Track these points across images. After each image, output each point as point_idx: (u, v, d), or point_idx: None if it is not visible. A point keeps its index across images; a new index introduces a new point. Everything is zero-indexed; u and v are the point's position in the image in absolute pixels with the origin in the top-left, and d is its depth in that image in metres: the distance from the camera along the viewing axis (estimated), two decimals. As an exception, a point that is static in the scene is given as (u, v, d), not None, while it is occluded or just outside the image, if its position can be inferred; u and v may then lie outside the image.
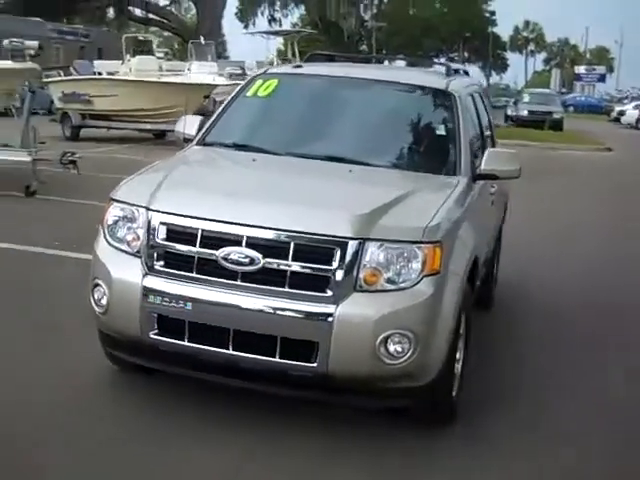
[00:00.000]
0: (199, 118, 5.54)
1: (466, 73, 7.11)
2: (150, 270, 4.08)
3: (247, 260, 3.92)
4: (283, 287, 3.91)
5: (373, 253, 3.92)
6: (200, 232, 4.00)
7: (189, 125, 5.42)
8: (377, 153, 5.04)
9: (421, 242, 3.95)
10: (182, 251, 4.05)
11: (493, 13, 78.91)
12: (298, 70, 5.75)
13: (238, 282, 3.95)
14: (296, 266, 3.91)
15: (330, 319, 3.83)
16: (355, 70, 5.96)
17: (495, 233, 6.42)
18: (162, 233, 4.09)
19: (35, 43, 10.46)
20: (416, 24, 72.22)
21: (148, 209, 4.13)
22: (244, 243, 3.94)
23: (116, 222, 4.25)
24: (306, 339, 3.88)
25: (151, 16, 47.59)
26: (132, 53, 21.58)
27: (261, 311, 3.91)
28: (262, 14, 71.18)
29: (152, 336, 4.06)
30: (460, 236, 4.33)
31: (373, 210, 4.05)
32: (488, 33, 76.80)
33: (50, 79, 19.88)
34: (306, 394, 4.11)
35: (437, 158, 5.09)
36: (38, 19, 38.04)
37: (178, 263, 4.05)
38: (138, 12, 48.24)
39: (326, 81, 5.57)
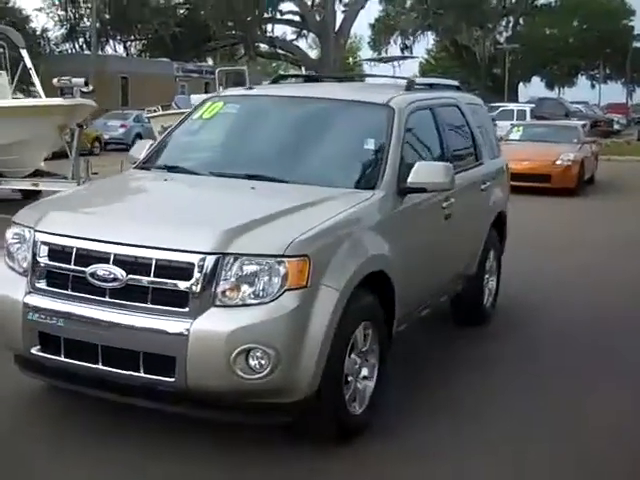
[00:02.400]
0: (149, 142, 5.69)
1: (457, 88, 6.98)
2: (33, 288, 4.22)
3: (111, 277, 4.00)
4: (145, 303, 3.96)
5: (232, 268, 3.90)
6: (74, 250, 4.12)
7: (139, 149, 5.58)
8: (296, 169, 5.03)
9: (283, 256, 3.90)
10: (59, 269, 4.17)
11: (632, 28, 75.91)
12: (245, 92, 5.82)
13: (106, 299, 4.03)
14: (157, 282, 3.95)
15: (186, 334, 3.84)
16: (302, 90, 5.96)
17: (469, 247, 6.20)
18: (44, 252, 4.23)
19: (81, 80, 11.03)
20: (553, 43, 70.47)
21: (34, 230, 4.29)
22: (111, 260, 4.02)
23: (13, 243, 4.43)
24: (165, 354, 3.90)
25: (277, 50, 48.89)
26: (228, 84, 22.22)
27: (125, 327, 3.97)
28: (395, 42, 71.66)
29: (34, 352, 4.19)
30: (344, 251, 4.23)
31: (240, 225, 4.05)
32: (629, 49, 73.94)
33: (151, 114, 20.76)
34: (178, 409, 4.12)
35: (357, 173, 5.02)
36: (166, 59, 39.91)
37: (56, 281, 4.18)
38: (265, 47, 49.67)
39: (267, 101, 5.64)
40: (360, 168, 5.04)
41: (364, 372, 4.52)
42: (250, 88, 5.89)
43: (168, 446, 4.29)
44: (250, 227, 4.06)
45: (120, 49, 47.09)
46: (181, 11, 46.91)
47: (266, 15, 47.78)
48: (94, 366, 4.05)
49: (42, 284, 4.21)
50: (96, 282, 4.03)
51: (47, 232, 4.24)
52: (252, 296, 3.90)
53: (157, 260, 3.95)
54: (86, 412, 4.62)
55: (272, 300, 3.89)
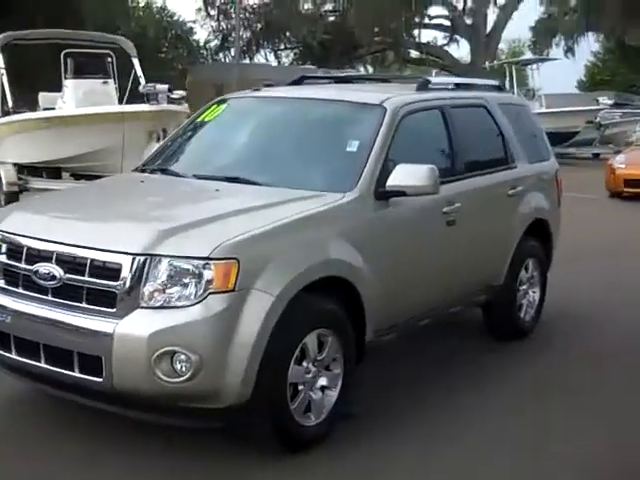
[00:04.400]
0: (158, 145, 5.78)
1: (498, 87, 6.67)
2: (-6, 286, 4.37)
3: (50, 275, 4.08)
4: (80, 302, 4.01)
5: (158, 269, 3.89)
6: (25, 249, 4.23)
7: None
8: (275, 172, 4.98)
9: (208, 258, 3.85)
10: (13, 267, 4.29)
11: None
12: (249, 94, 5.80)
13: (49, 297, 4.11)
14: (90, 282, 3.99)
15: (111, 335, 3.85)
16: (304, 91, 5.86)
17: (489, 255, 5.88)
18: (2, 250, 4.37)
19: (165, 87, 11.37)
20: None
21: None
22: (54, 259, 4.10)
23: None
24: (93, 354, 3.92)
25: (427, 56, 48.42)
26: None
27: (61, 325, 4.03)
28: (557, 45, 69.25)
29: (-8, 349, 4.32)
30: (288, 254, 4.12)
31: (173, 227, 4.04)
32: None
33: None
34: (113, 409, 4.13)
35: (334, 175, 4.88)
36: (312, 66, 40.50)
37: (10, 279, 4.31)
38: (414, 54, 49.35)
39: (264, 103, 5.59)
40: (338, 170, 4.90)
41: (322, 382, 4.38)
42: (257, 89, 5.84)
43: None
44: (184, 229, 4.04)
45: (271, 58, 48.18)
46: (330, 19, 47.38)
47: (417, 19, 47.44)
48: (37, 364, 4.13)
49: (0, 282, 4.34)
50: (38, 280, 4.12)
51: (4, 231, 4.38)
52: (177, 298, 3.87)
53: (91, 260, 3.99)
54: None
55: (196, 303, 3.84)
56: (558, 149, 23.45)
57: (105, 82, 13.17)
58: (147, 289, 3.88)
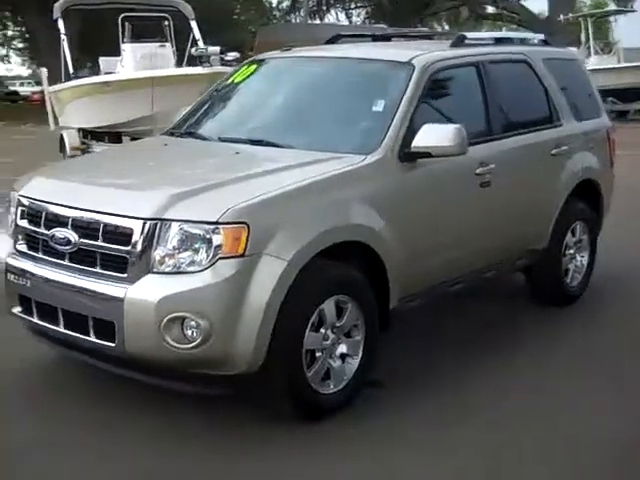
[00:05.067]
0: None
1: (544, 42, 6.39)
2: (15, 250, 4.41)
3: (65, 240, 4.08)
4: (94, 267, 4.01)
5: (169, 234, 3.85)
6: (43, 214, 4.25)
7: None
8: (298, 134, 4.88)
9: (217, 223, 3.79)
10: (33, 232, 4.32)
11: None
12: (280, 54, 5.68)
13: (65, 262, 4.12)
14: (104, 247, 3.98)
15: (122, 300, 3.84)
16: (335, 50, 5.70)
17: (530, 218, 5.66)
18: (22, 215, 4.40)
19: (216, 49, 11.29)
20: None
21: (17, 194, 4.47)
22: (69, 224, 4.10)
23: (7, 207, 4.64)
24: (106, 319, 3.92)
25: (502, 12, 47.19)
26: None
27: (76, 290, 4.04)
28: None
29: (14, 312, 4.38)
30: (301, 218, 4.03)
31: (184, 191, 3.98)
32: None
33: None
34: (128, 374, 4.13)
35: (357, 136, 4.74)
36: (383, 25, 39.94)
37: (31, 244, 4.33)
38: (490, 9, 48.17)
39: (293, 63, 5.50)
40: (362, 131, 4.75)
41: (342, 349, 4.30)
42: (288, 49, 5.72)
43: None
44: (195, 193, 3.98)
45: (342, 17, 47.74)
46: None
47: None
48: (57, 328, 4.16)
49: (21, 246, 4.38)
50: (55, 245, 4.14)
51: (25, 196, 4.41)
52: (187, 264, 3.83)
53: (104, 225, 3.98)
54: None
55: (205, 268, 3.79)
56: (636, 105, 22.74)
57: (162, 45, 13.20)
58: (158, 254, 3.84)
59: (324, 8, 45.61)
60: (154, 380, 4.07)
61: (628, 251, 7.68)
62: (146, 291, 3.81)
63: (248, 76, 5.52)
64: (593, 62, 25.20)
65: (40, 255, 4.24)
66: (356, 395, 4.38)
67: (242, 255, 3.80)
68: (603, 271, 6.65)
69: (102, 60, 13.84)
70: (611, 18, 29.03)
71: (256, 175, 4.23)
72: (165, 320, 3.75)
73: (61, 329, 4.14)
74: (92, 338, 4.01)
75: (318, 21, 45.14)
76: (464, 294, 5.49)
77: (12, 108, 37.52)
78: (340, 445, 4.03)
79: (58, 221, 4.16)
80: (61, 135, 13.05)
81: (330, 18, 47.17)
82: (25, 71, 59.00)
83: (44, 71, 14.39)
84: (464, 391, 4.65)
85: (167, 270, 3.84)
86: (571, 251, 6.18)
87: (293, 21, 46.69)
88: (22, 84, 48.91)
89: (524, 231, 5.65)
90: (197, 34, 13.84)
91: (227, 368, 3.88)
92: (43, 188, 4.40)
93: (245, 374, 3.92)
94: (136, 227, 3.87)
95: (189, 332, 3.77)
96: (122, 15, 13.24)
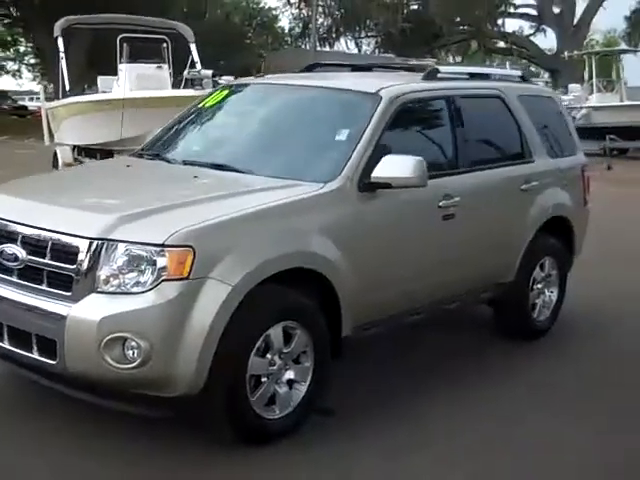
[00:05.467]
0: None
1: (522, 78, 6.42)
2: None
3: (13, 257, 4.09)
4: (41, 285, 4.02)
5: (115, 254, 3.86)
6: (-4, 230, 4.26)
7: None
8: (259, 160, 4.90)
9: (162, 245, 3.80)
10: (-16, 247, 4.32)
11: None
12: (252, 80, 5.74)
13: (13, 278, 4.13)
14: (50, 265, 3.99)
15: (64, 318, 3.84)
16: (304, 78, 5.73)
17: (495, 252, 5.66)
18: (-22, 231, 4.41)
19: (209, 72, 11.39)
20: None
21: None
22: (19, 241, 4.12)
23: None
24: (49, 337, 3.92)
25: (512, 46, 47.48)
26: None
27: (21, 307, 4.03)
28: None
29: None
30: (249, 244, 4.03)
31: (134, 213, 4.00)
32: None
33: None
34: (70, 392, 4.12)
35: (317, 164, 4.76)
36: (390, 55, 40.19)
37: (-17, 259, 4.33)
38: (500, 44, 48.44)
39: (262, 90, 5.54)
40: (323, 160, 4.77)
41: (289, 375, 4.29)
42: (260, 76, 5.77)
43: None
44: (144, 215, 4.00)
45: (352, 45, 48.03)
46: (414, 7, 46.93)
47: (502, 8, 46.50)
48: (1, 344, 4.16)
49: (-23, 262, 4.38)
50: (4, 261, 4.14)
51: None
52: (132, 284, 3.83)
53: (52, 243, 3.99)
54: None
55: (149, 290, 3.79)
56: (636, 144, 22.76)
57: (159, 67, 13.32)
58: (102, 274, 3.85)
59: (334, 36, 45.92)
60: (96, 399, 4.05)
61: (605, 286, 7.66)
62: (88, 310, 3.82)
63: (220, 101, 5.56)
64: (595, 99, 25.31)
65: (-10, 270, 4.25)
66: (303, 421, 4.37)
67: (186, 278, 3.80)
68: (573, 306, 6.62)
69: (100, 79, 13.97)
70: (621, 56, 29.09)
71: (209, 199, 4.25)
72: (106, 339, 3.75)
73: (6, 345, 4.13)
74: (35, 355, 4.00)
75: (327, 48, 45.46)
76: (426, 324, 5.50)
77: (19, 122, 37.74)
78: (285, 472, 4.00)
79: (9, 237, 4.17)
80: (55, 151, 13.13)
81: (339, 46, 47.49)
82: (36, 86, 59.48)
83: (42, 88, 14.51)
84: (419, 420, 4.63)
85: (111, 290, 3.85)
86: (539, 286, 6.17)
87: (303, 47, 46.99)
88: (32, 99, 49.30)
89: (489, 264, 5.64)
90: (196, 57, 13.96)
91: (167, 390, 3.87)
92: (0, 204, 4.42)
93: (186, 397, 3.91)
94: (83, 246, 3.88)
95: (129, 352, 3.77)
96: (121, 36, 13.37)
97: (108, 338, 3.74)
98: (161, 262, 3.79)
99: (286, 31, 55.27)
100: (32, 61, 51.67)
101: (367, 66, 6.57)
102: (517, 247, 5.85)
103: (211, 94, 5.72)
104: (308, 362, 4.36)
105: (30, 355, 4.01)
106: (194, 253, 3.81)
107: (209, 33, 42.35)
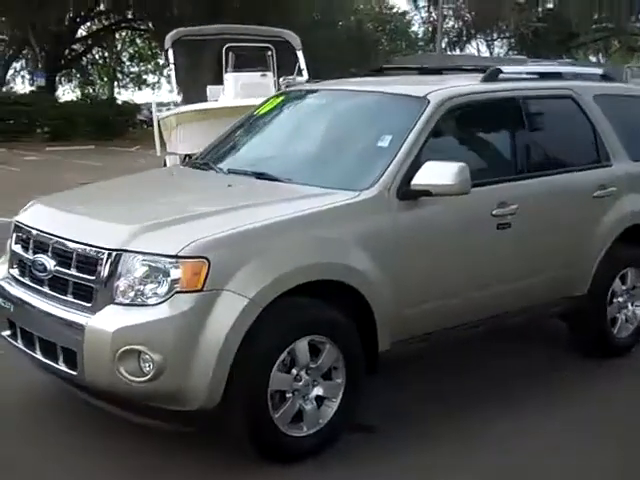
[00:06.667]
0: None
1: (603, 76, 6.03)
2: (8, 273, 4.51)
3: (42, 267, 4.14)
4: (66, 295, 4.04)
5: (131, 266, 3.83)
6: (31, 241, 4.34)
7: None
8: (298, 167, 4.81)
9: (176, 257, 3.75)
10: (21, 257, 4.41)
11: None
12: (304, 86, 5.65)
13: (44, 289, 4.18)
14: (74, 276, 4.01)
15: (83, 328, 3.84)
16: (359, 83, 5.56)
17: (564, 262, 5.31)
18: (15, 240, 4.52)
19: (303, 79, 11.30)
20: None
21: (15, 219, 4.60)
22: (49, 251, 4.17)
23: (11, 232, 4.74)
24: (70, 347, 3.93)
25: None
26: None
27: (48, 317, 4.07)
28: None
29: (3, 334, 4.46)
30: (271, 255, 3.92)
31: (153, 224, 3.98)
32: None
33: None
34: (99, 404, 4.13)
35: (355, 172, 4.58)
36: (522, 57, 39.15)
37: (19, 268, 4.43)
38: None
39: (315, 96, 5.44)
40: (362, 167, 4.59)
41: (317, 391, 4.14)
42: (316, 81, 5.65)
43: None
44: (162, 226, 3.97)
45: (483, 48, 47.18)
46: (549, 6, 45.53)
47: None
48: (34, 354, 4.21)
49: (14, 271, 4.48)
50: (35, 272, 4.20)
51: (19, 222, 4.53)
52: (147, 296, 3.79)
53: (76, 254, 4.01)
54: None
55: (162, 301, 3.75)
56: None
57: (264, 75, 13.42)
58: (120, 285, 3.83)
59: (464, 39, 45.21)
60: (117, 411, 4.05)
61: None
62: (105, 321, 3.80)
63: (272, 108, 5.49)
64: None
65: (26, 281, 4.32)
66: (334, 440, 4.21)
67: (201, 290, 3.73)
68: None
69: (209, 88, 14.20)
70: None
71: (234, 209, 4.17)
72: (120, 351, 3.72)
73: (38, 355, 4.18)
74: (61, 366, 4.02)
75: (458, 51, 44.79)
76: (491, 338, 5.23)
77: (151, 133, 39.04)
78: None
79: (41, 248, 4.23)
80: (164, 160, 13.45)
81: (471, 49, 46.72)
82: (175, 97, 61.53)
83: (154, 100, 14.92)
84: (467, 441, 4.39)
85: (127, 302, 3.82)
86: (620, 299, 5.75)
87: (433, 52, 46.50)
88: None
89: (555, 276, 5.29)
90: (302, 64, 14.00)
91: (181, 404, 3.81)
92: (35, 215, 4.51)
93: (203, 411, 3.83)
94: (102, 257, 3.88)
95: (143, 365, 3.73)
96: (226, 45, 13.57)
97: (122, 350, 3.72)
98: (175, 274, 3.73)
99: (419, 35, 54.91)
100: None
101: (436, 69, 6.33)
102: (589, 258, 5.47)
103: (266, 101, 5.64)
104: (339, 378, 4.20)
105: (56, 365, 4.04)
106: (209, 265, 3.73)
107: (343, 40, 42.66)
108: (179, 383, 3.73)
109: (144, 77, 57.14)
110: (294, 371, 4.03)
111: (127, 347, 3.71)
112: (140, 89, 56.43)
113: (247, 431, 3.94)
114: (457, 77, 5.71)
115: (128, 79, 55.17)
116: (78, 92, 49.59)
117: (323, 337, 4.08)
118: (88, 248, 3.96)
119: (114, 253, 3.85)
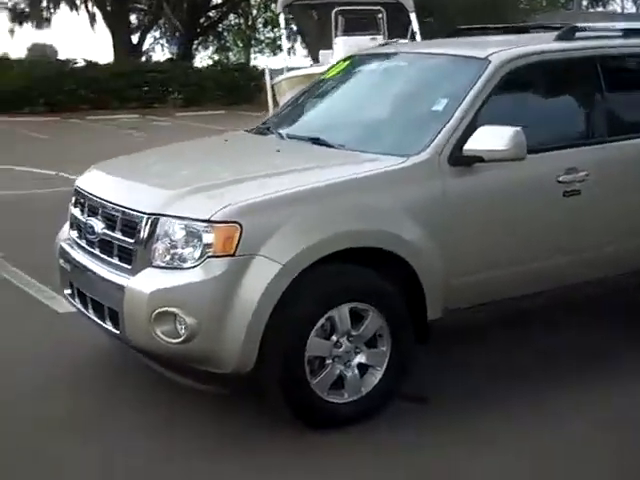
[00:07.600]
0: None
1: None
2: (68, 236, 4.68)
3: (91, 229, 4.27)
4: (112, 257, 4.16)
5: (167, 230, 3.89)
6: (86, 205, 4.48)
7: None
8: (351, 132, 4.76)
9: (209, 221, 3.77)
10: (77, 220, 4.56)
11: None
12: (371, 50, 5.53)
13: (95, 250, 4.31)
14: (118, 239, 4.12)
15: (123, 290, 3.94)
16: (428, 46, 5.38)
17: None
18: (74, 204, 4.68)
19: (404, 41, 11.04)
20: None
21: (75, 184, 4.76)
22: (99, 215, 4.29)
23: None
24: (113, 307, 4.04)
25: None
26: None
27: (97, 278, 4.20)
28: None
29: (65, 292, 4.65)
30: (309, 220, 3.88)
31: (191, 188, 4.02)
32: None
33: None
34: (147, 362, 4.23)
35: (405, 137, 4.47)
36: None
37: (76, 231, 4.59)
38: None
39: (376, 60, 5.30)
40: (414, 132, 4.46)
41: (360, 359, 4.09)
42: (386, 44, 5.53)
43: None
44: (200, 190, 4.00)
45: (628, 5, 44.72)
46: None
47: None
48: (87, 313, 4.37)
49: (73, 233, 4.64)
50: (87, 234, 4.34)
51: (78, 186, 4.68)
52: (181, 260, 3.85)
53: (120, 218, 4.11)
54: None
55: (195, 266, 3.79)
56: None
57: (373, 38, 13.23)
58: (156, 249, 3.90)
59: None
60: (160, 369, 4.15)
61: None
62: (142, 283, 3.89)
63: (337, 73, 5.41)
64: None
65: (82, 243, 4.46)
66: (379, 408, 4.15)
67: (233, 255, 3.74)
68: None
69: (321, 53, 14.17)
70: None
71: (275, 175, 4.15)
72: (155, 313, 3.79)
73: (91, 315, 4.32)
74: (108, 326, 4.14)
75: (601, 8, 42.71)
76: (555, 310, 5.00)
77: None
78: (353, 457, 3.87)
79: (92, 211, 4.36)
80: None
81: (615, 6, 44.43)
82: (307, 62, 61.85)
83: (267, 67, 15.05)
84: (519, 419, 4.23)
85: (164, 265, 3.89)
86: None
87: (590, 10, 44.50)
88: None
89: (629, 246, 4.99)
90: (415, 26, 13.74)
91: (216, 366, 3.85)
92: (91, 180, 4.65)
93: (238, 373, 3.86)
94: (141, 221, 3.96)
95: (177, 327, 3.79)
96: (336, 9, 13.46)
97: (157, 312, 3.79)
98: (207, 238, 3.76)
99: (560, -7, 52.77)
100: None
101: (523, 27, 6.05)
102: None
103: (334, 65, 5.57)
104: (384, 346, 4.13)
105: (104, 325, 4.17)
106: (241, 229, 3.74)
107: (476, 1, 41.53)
108: (212, 346, 3.77)
109: (279, 43, 57.69)
110: (334, 338, 3.99)
111: (162, 309, 3.78)
112: (275, 54, 57.06)
113: (283, 396, 3.93)
114: (533, 37, 5.44)
115: (264, 44, 55.87)
116: (215, 58, 50.67)
117: (365, 304, 4.02)
118: (130, 212, 4.04)
119: (152, 217, 3.92)
